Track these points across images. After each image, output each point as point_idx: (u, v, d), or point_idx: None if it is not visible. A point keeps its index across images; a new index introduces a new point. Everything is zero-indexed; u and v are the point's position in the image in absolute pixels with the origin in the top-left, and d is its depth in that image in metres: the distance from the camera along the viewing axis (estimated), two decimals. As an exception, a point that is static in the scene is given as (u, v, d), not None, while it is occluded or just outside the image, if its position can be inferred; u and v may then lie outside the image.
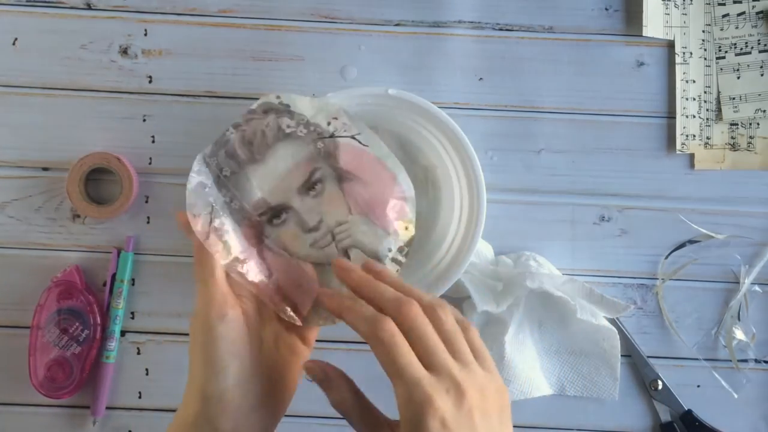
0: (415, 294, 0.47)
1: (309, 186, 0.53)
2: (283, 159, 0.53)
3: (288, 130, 0.53)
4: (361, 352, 0.67)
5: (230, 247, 0.51)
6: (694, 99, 0.67)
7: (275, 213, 0.53)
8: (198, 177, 0.52)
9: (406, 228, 0.54)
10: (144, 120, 0.66)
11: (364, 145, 0.54)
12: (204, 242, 0.50)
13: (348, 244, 0.53)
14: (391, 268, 0.53)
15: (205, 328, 0.48)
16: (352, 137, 0.54)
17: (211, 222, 0.51)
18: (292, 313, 0.52)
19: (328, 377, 0.49)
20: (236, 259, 0.52)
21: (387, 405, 0.66)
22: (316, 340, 0.66)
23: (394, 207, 0.54)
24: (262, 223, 0.53)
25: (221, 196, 0.52)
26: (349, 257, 0.53)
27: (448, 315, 0.46)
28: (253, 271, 0.52)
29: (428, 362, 0.44)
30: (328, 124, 0.54)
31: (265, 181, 0.53)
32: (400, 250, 0.54)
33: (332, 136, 0.53)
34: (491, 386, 0.45)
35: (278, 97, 0.53)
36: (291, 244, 0.53)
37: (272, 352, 0.52)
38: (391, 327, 0.44)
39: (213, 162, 0.52)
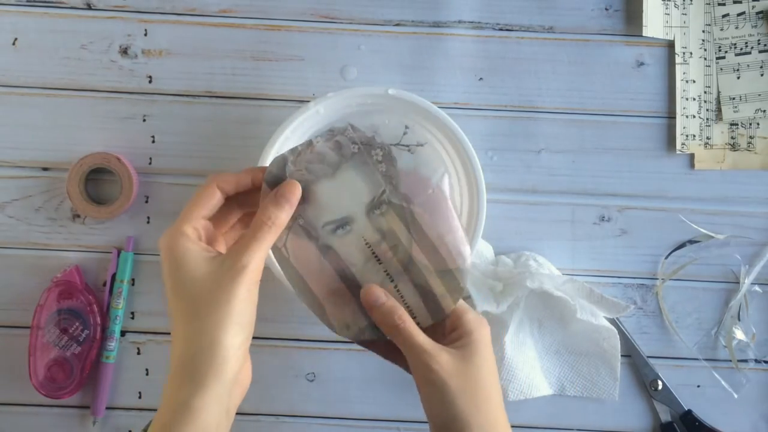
0: None
1: (375, 205, 0.52)
2: (351, 177, 0.52)
3: (353, 149, 0.52)
4: (362, 352, 0.67)
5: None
6: (694, 99, 0.67)
7: (340, 224, 0.53)
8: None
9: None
10: (144, 120, 0.66)
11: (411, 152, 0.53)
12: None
13: (406, 260, 0.53)
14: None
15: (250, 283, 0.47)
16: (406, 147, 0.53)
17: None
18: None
19: None
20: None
21: (386, 404, 0.66)
22: (316, 340, 0.67)
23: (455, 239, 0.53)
24: (322, 237, 0.53)
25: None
26: (409, 270, 0.53)
27: None
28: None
29: None
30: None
31: (333, 196, 0.52)
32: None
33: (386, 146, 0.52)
34: None
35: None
36: (352, 255, 0.53)
37: None
38: None
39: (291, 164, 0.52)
